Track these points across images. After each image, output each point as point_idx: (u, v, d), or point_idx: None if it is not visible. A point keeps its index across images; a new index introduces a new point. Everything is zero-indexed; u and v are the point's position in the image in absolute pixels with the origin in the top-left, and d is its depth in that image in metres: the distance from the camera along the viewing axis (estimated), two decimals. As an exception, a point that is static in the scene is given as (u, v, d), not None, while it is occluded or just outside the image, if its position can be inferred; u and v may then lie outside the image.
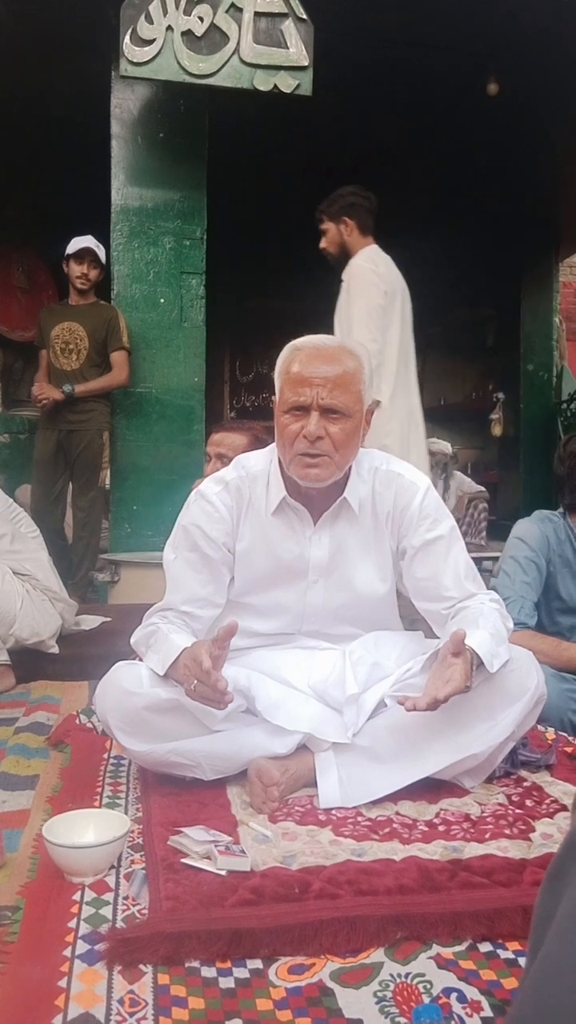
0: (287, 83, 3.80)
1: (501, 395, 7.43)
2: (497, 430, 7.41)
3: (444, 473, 6.69)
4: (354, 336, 3.11)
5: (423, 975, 1.04)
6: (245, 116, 4.45)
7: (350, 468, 1.70)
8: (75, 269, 4.09)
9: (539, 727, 1.89)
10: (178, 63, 3.76)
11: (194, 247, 4.28)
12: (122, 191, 4.23)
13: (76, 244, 4.08)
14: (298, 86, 3.80)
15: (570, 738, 1.95)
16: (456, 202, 6.28)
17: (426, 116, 5.12)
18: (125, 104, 4.26)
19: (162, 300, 4.27)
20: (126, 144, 4.26)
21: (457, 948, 1.10)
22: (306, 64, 3.79)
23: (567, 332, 7.87)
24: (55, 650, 2.60)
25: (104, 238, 4.19)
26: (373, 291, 3.16)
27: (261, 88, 3.78)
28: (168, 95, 4.18)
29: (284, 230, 6.54)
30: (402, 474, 1.75)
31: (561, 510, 2.38)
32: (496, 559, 2.44)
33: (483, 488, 6.77)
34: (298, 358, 1.63)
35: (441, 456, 6.72)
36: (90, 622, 2.95)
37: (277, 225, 6.52)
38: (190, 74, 3.77)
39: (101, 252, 4.09)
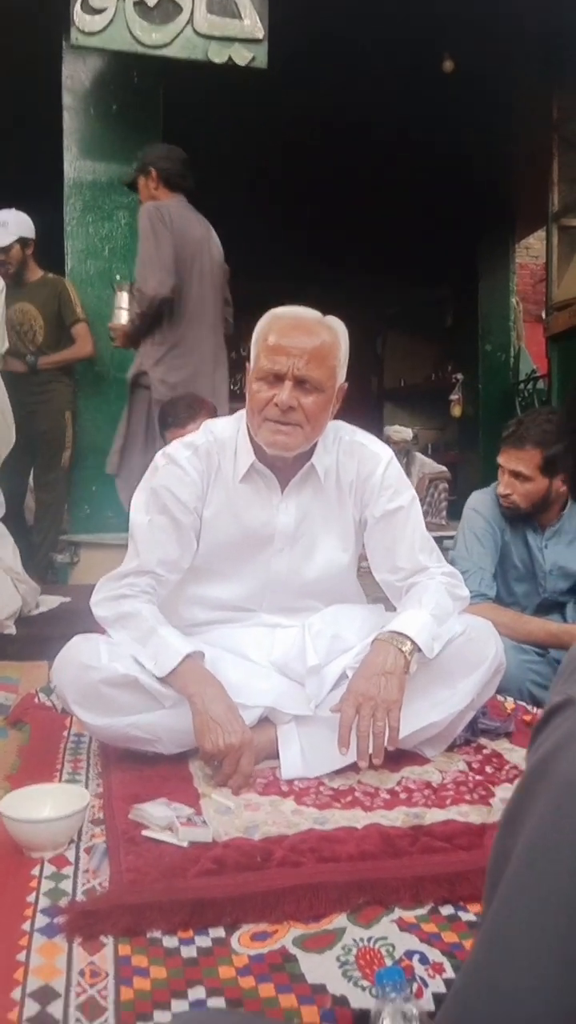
0: (242, 55, 3.74)
1: (460, 376, 7.48)
2: (456, 411, 7.47)
3: (405, 459, 6.74)
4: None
5: (385, 938, 1.05)
6: (204, 90, 4.38)
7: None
8: None
9: (498, 697, 1.91)
10: (130, 33, 3.68)
11: (151, 223, 4.21)
12: (74, 164, 4.15)
13: None
14: (253, 59, 3.74)
15: (529, 707, 1.98)
16: (414, 180, 6.27)
17: (383, 94, 5.09)
18: (76, 75, 4.17)
19: (118, 276, 4.19)
20: (78, 116, 4.17)
21: (419, 911, 1.11)
22: (261, 37, 3.74)
23: (524, 313, 7.95)
24: (12, 631, 2.56)
25: (57, 213, 4.10)
26: None
27: (215, 60, 3.72)
28: (121, 66, 4.09)
29: (252, 209, 6.49)
30: (365, 444, 1.75)
31: None
32: (454, 538, 2.47)
33: (444, 468, 6.81)
34: (276, 327, 1.62)
35: (403, 444, 6.77)
36: (49, 602, 2.91)
37: (245, 204, 6.45)
38: (143, 44, 3.70)
39: (6, 229, 3.92)
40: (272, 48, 3.73)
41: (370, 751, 1.43)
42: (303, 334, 1.59)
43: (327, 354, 1.60)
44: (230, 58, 3.73)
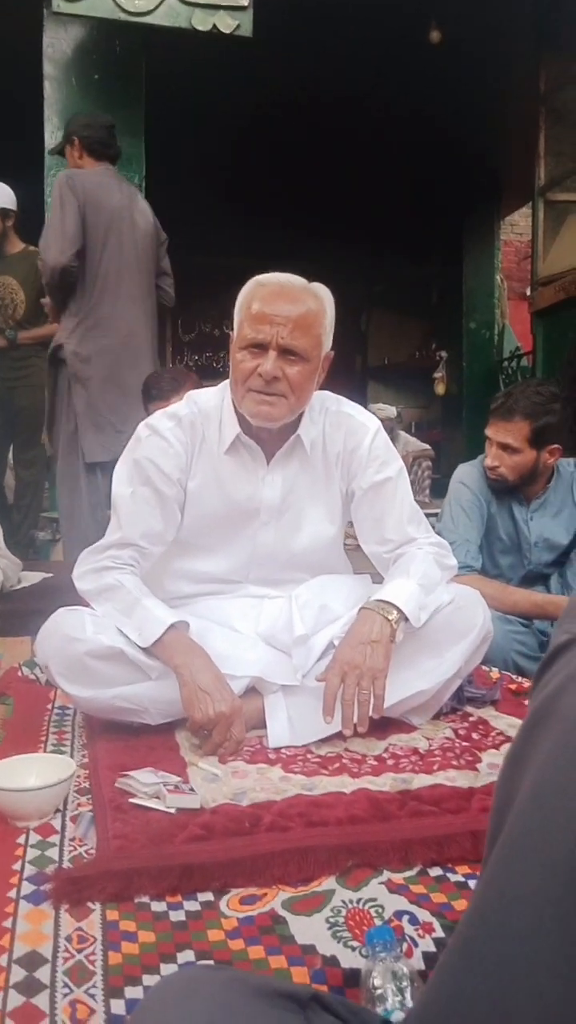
0: (226, 23, 3.68)
1: (444, 354, 7.47)
2: (440, 389, 7.47)
3: (388, 437, 6.73)
4: None
5: (375, 900, 1.05)
6: (187, 61, 4.31)
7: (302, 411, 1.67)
8: None
9: (483, 667, 1.91)
10: (113, 0, 3.61)
11: (133, 195, 4.15)
12: (56, 135, 4.05)
13: None
14: (238, 27, 3.68)
15: (514, 677, 1.98)
16: (400, 156, 6.22)
17: (369, 65, 5.02)
18: (58, 44, 4.08)
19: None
20: (60, 86, 4.08)
21: (408, 873, 1.10)
22: (246, 3, 3.67)
23: (508, 291, 7.93)
24: (-6, 606, 2.54)
25: (39, 185, 4.02)
26: None
27: (200, 28, 3.66)
28: (103, 35, 4.01)
29: (228, 183, 6.42)
30: (352, 415, 1.73)
31: None
32: (438, 515, 2.47)
33: (428, 446, 6.81)
34: (260, 295, 1.58)
35: (386, 422, 6.77)
36: (31, 579, 2.88)
37: (221, 178, 6.38)
38: (125, 12, 3.63)
39: None
40: (257, 16, 3.67)
41: (355, 719, 1.43)
42: (287, 301, 1.56)
43: (312, 322, 1.57)
44: (214, 26, 3.67)
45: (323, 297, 1.62)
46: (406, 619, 1.52)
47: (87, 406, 3.22)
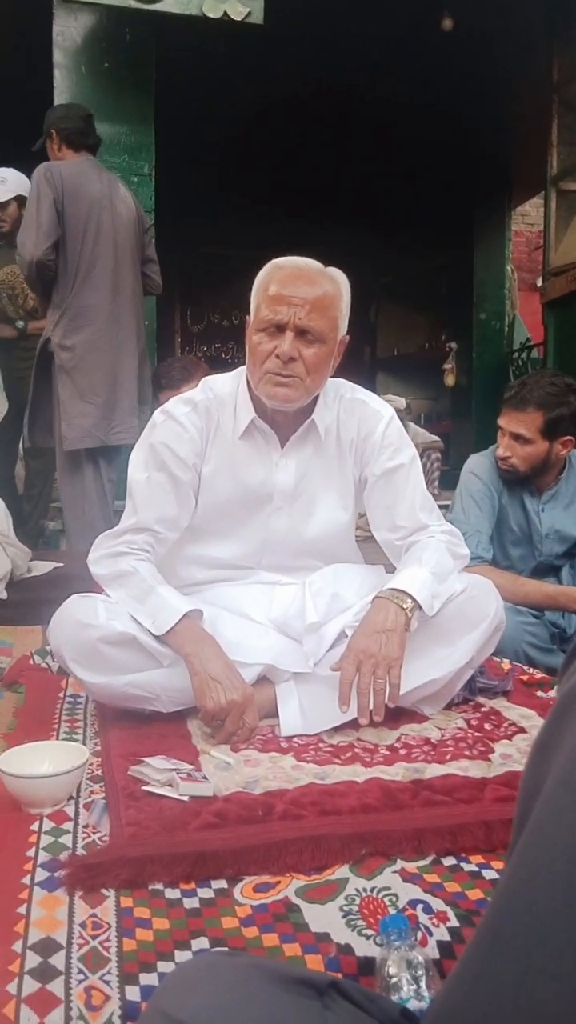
0: (237, 10, 3.65)
1: (454, 345, 7.43)
2: (450, 380, 7.43)
3: (398, 426, 6.70)
4: None
5: (389, 888, 1.04)
6: (197, 49, 4.29)
7: (317, 395, 1.67)
8: None
9: (494, 658, 1.90)
10: (123, -13, 3.59)
11: (143, 184, 4.13)
12: (65, 124, 4.04)
13: None
14: (249, 14, 3.66)
15: (526, 668, 1.97)
16: (410, 146, 6.18)
17: (380, 53, 4.99)
18: (68, 32, 4.06)
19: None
20: (69, 74, 4.07)
21: (421, 862, 1.10)
22: (257, -9, 3.65)
23: (518, 282, 7.88)
24: (3, 595, 2.54)
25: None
26: None
27: (210, 15, 3.64)
28: (113, 23, 4.00)
29: (237, 174, 6.39)
30: (366, 402, 1.73)
31: None
32: (448, 507, 2.46)
33: (437, 438, 6.79)
34: (277, 277, 1.58)
35: (395, 411, 6.75)
36: (41, 568, 2.89)
37: (231, 169, 6.35)
38: (136, -1, 3.61)
39: (4, 185, 3.86)
40: (268, 3, 3.65)
41: (371, 708, 1.43)
42: (305, 284, 1.56)
43: (329, 304, 1.57)
44: (225, 13, 3.65)
45: (339, 281, 1.62)
46: (420, 607, 1.52)
47: (73, 395, 3.23)
